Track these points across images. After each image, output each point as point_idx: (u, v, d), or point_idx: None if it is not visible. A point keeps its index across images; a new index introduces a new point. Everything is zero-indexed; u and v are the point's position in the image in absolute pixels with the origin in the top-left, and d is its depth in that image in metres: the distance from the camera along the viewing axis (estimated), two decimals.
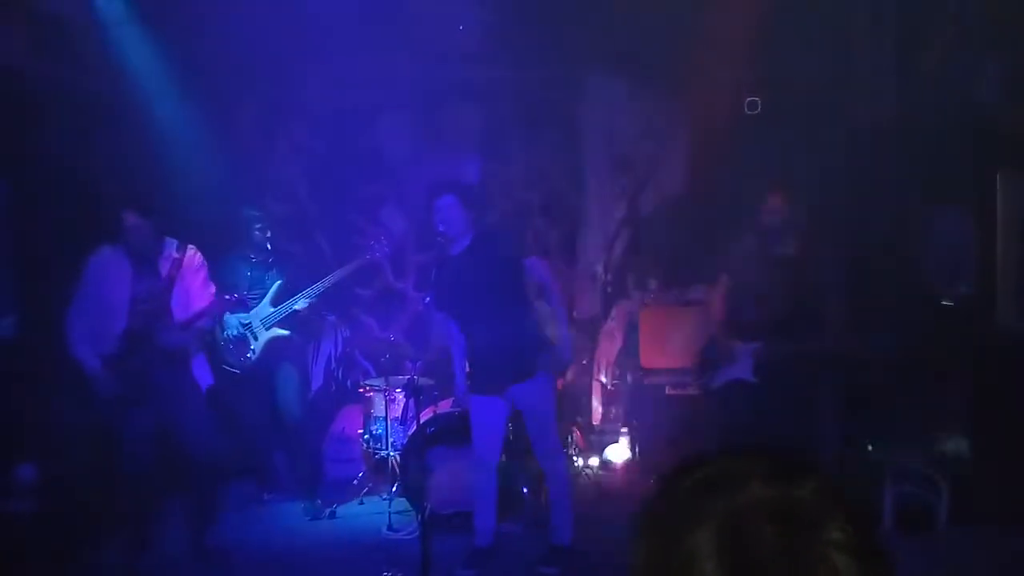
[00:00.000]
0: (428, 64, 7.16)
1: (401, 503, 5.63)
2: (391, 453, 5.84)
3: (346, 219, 7.39)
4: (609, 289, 7.61)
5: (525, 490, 5.52)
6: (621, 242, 7.64)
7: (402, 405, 5.91)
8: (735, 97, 6.62)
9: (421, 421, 5.32)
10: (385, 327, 6.81)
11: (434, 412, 5.55)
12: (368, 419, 6.08)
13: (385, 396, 5.93)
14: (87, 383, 4.88)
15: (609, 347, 7.35)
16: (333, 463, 6.42)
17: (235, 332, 5.86)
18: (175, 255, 4.99)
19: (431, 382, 5.88)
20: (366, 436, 6.04)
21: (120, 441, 4.92)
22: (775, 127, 6.33)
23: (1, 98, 5.44)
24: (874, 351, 5.33)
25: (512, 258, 4.85)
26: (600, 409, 7.28)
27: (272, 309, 5.86)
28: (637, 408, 6.90)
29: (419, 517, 4.74)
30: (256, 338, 5.86)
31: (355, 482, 6.17)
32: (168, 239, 5.01)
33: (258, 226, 5.98)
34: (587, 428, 7.00)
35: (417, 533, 4.98)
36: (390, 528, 5.53)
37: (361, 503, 6.05)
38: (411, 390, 5.41)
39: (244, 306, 5.67)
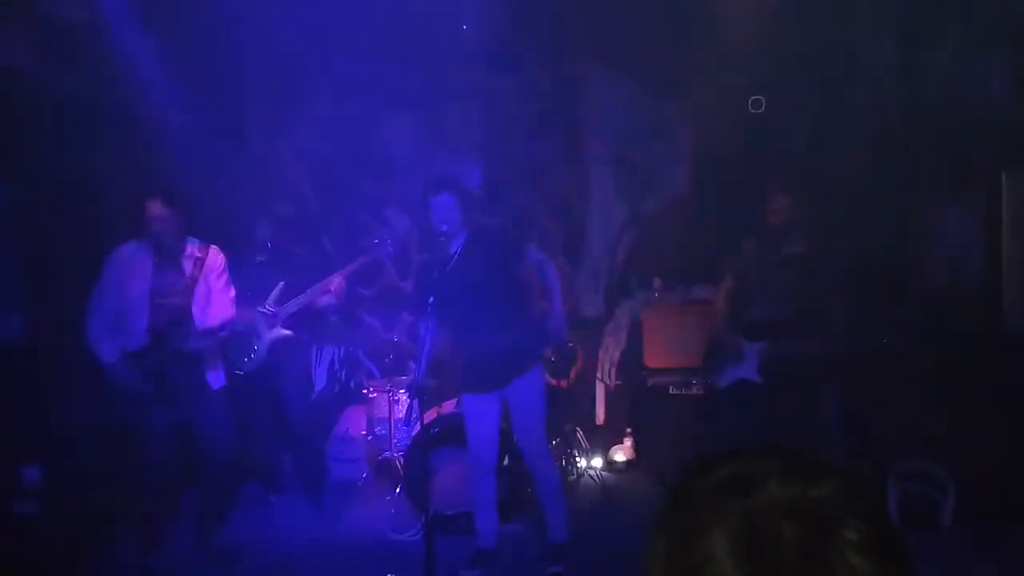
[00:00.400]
0: (431, 66, 7.16)
1: (405, 504, 5.63)
2: (395, 454, 5.84)
3: (351, 219, 7.39)
4: (613, 289, 7.61)
5: (528, 489, 5.51)
6: (625, 242, 7.64)
7: (406, 406, 5.90)
8: (739, 96, 6.62)
9: (425, 422, 5.31)
10: (389, 328, 6.80)
11: (438, 413, 5.54)
12: (372, 420, 6.07)
13: (389, 397, 5.92)
14: (93, 383, 4.88)
15: (613, 347, 7.34)
16: (337, 464, 6.41)
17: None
18: (197, 254, 5.00)
19: (435, 383, 5.87)
20: (369, 437, 6.03)
21: (135, 438, 4.91)
22: (780, 126, 6.33)
23: (3, 100, 5.45)
24: (879, 350, 5.32)
25: (507, 254, 4.81)
26: (604, 409, 7.28)
27: (275, 309, 5.85)
28: (641, 408, 6.89)
29: (423, 518, 4.73)
30: (259, 338, 5.85)
31: (359, 483, 6.17)
32: (190, 238, 5.01)
33: (261, 227, 5.98)
34: (591, 428, 6.99)
35: (421, 534, 4.97)
36: (394, 529, 5.53)
37: (365, 504, 6.04)
38: (415, 391, 5.40)
39: (276, 319, 5.69)
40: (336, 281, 5.89)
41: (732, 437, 5.07)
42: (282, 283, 5.89)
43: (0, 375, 5.37)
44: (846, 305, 5.24)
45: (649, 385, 6.71)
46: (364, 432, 6.17)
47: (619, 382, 7.23)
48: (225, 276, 5.11)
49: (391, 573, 4.66)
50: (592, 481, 6.43)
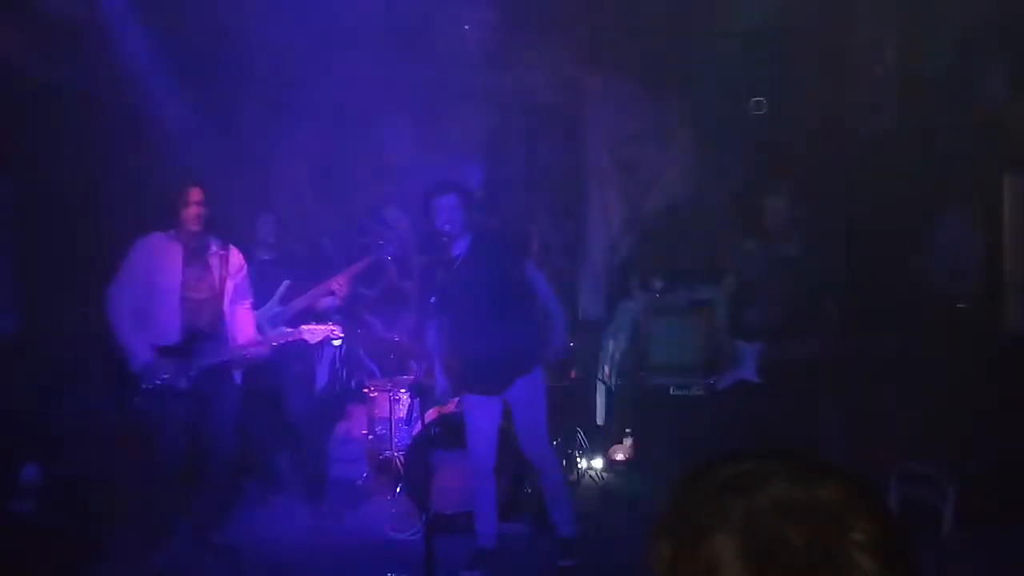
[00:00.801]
0: (432, 66, 7.16)
1: (405, 503, 5.63)
2: (395, 453, 5.84)
3: (350, 220, 7.39)
4: (613, 289, 7.61)
5: (528, 490, 5.51)
6: (625, 243, 7.63)
7: (406, 405, 5.91)
8: (739, 97, 6.62)
9: (425, 421, 5.31)
10: (390, 327, 6.80)
11: (438, 413, 5.54)
12: (372, 419, 6.07)
13: (389, 396, 5.92)
14: (92, 380, 4.88)
15: (613, 348, 7.34)
16: (337, 463, 6.41)
17: None
18: (220, 251, 5.02)
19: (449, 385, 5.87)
20: (370, 436, 6.03)
21: (145, 433, 4.90)
22: (780, 127, 6.33)
23: (3, 98, 5.45)
24: (879, 352, 5.32)
25: (510, 257, 4.83)
26: (604, 409, 7.28)
27: (279, 308, 5.86)
28: (641, 409, 6.89)
29: (423, 517, 4.73)
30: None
31: (359, 482, 6.16)
32: (211, 237, 5.03)
33: (263, 225, 5.99)
34: (591, 429, 6.99)
35: (421, 533, 4.97)
36: (394, 528, 5.53)
37: (365, 504, 6.04)
38: (415, 390, 5.40)
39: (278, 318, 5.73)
40: (339, 281, 5.91)
41: (732, 438, 5.08)
42: (287, 282, 5.90)
43: None
44: (845, 306, 5.24)
45: (649, 386, 6.72)
46: (365, 431, 6.17)
47: (619, 382, 7.24)
48: (243, 273, 5.15)
49: (391, 572, 4.66)
50: (592, 481, 6.43)
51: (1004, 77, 5.06)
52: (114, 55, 6.05)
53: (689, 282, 7.03)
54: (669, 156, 7.59)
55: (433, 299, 4.75)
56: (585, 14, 6.69)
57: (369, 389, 6.19)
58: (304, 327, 5.34)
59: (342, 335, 5.47)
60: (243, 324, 5.15)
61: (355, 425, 6.40)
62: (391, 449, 5.90)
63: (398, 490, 5.71)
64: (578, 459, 6.45)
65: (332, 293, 6.00)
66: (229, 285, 5.03)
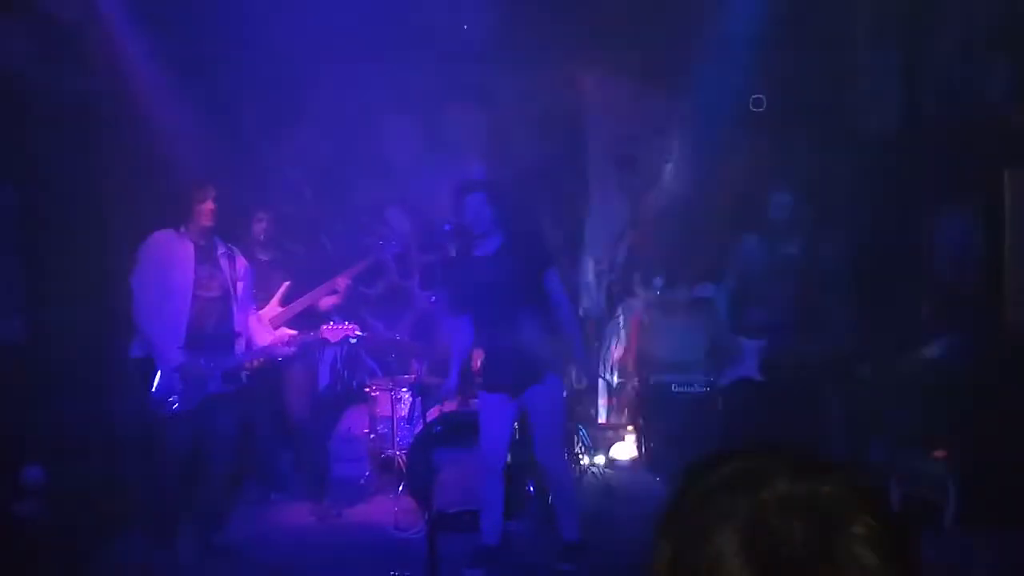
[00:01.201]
0: (432, 65, 7.16)
1: (407, 502, 5.63)
2: (397, 452, 5.85)
3: (352, 219, 7.40)
4: (615, 288, 7.61)
5: (531, 489, 5.52)
6: (627, 241, 7.64)
7: (408, 404, 5.91)
8: (740, 95, 6.62)
9: (427, 420, 5.32)
10: (391, 327, 6.81)
11: (440, 411, 5.55)
12: (374, 418, 6.08)
13: (391, 395, 5.93)
14: (94, 382, 4.89)
15: (615, 346, 7.35)
16: (339, 462, 6.42)
17: None
18: (227, 252, 5.05)
19: (437, 381, 5.87)
20: (372, 436, 6.04)
21: (151, 434, 4.93)
22: (781, 125, 6.33)
23: (4, 102, 5.45)
24: (880, 350, 5.33)
25: (539, 262, 4.84)
26: (606, 407, 7.29)
27: (280, 309, 5.87)
28: (643, 406, 6.90)
29: (426, 516, 4.74)
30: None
31: (361, 481, 6.17)
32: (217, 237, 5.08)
33: (260, 224, 6.00)
34: (593, 426, 7.00)
35: (424, 532, 4.98)
36: (396, 527, 5.54)
37: (367, 503, 6.05)
38: (417, 389, 5.42)
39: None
40: (342, 282, 5.92)
41: (733, 435, 5.09)
42: (287, 283, 5.91)
43: (2, 375, 5.38)
44: (847, 305, 5.25)
45: (651, 383, 6.72)
46: (367, 430, 6.18)
47: (621, 380, 7.24)
48: (249, 276, 5.20)
49: (394, 571, 4.66)
50: (594, 479, 6.43)
51: (1004, 77, 5.06)
52: (115, 57, 6.05)
53: (690, 280, 7.04)
54: (670, 154, 7.60)
55: (449, 295, 4.78)
56: (586, 13, 6.68)
57: (371, 388, 6.20)
58: (324, 327, 5.40)
59: (361, 333, 5.52)
60: (261, 324, 5.23)
61: (357, 424, 6.41)
62: (393, 448, 5.90)
63: (400, 489, 5.71)
64: (580, 456, 6.46)
65: (335, 292, 6.02)
66: (240, 285, 5.07)
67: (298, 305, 5.88)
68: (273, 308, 5.87)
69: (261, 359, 5.25)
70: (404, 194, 7.59)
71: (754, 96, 6.56)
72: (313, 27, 6.36)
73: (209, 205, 4.92)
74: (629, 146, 7.67)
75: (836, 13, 6.08)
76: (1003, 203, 4.95)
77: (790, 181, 5.37)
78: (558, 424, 4.92)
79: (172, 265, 4.88)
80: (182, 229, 4.95)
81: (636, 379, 7.03)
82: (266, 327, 5.41)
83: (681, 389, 6.49)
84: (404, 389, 5.93)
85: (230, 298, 5.03)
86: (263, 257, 5.99)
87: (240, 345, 5.06)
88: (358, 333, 5.52)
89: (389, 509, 5.70)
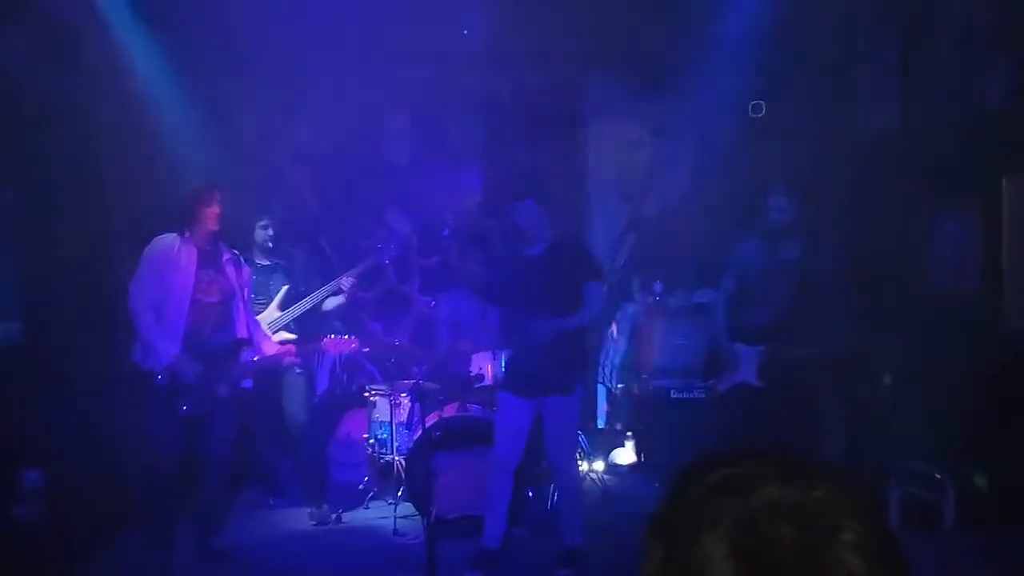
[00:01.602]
0: (432, 68, 7.18)
1: (407, 507, 5.63)
2: (396, 457, 5.84)
3: (351, 222, 7.40)
4: (614, 292, 7.61)
5: (530, 494, 5.52)
6: (626, 245, 7.64)
7: (408, 410, 5.91)
8: (739, 100, 6.63)
9: (427, 425, 5.32)
10: (389, 330, 6.80)
11: (439, 416, 5.55)
12: (373, 423, 6.08)
13: (390, 400, 5.93)
14: (93, 384, 4.89)
15: (614, 350, 7.35)
16: (339, 467, 6.41)
17: None
18: (231, 257, 5.07)
19: (436, 386, 5.88)
20: (371, 440, 6.04)
21: (147, 434, 4.93)
22: (780, 129, 6.33)
23: (4, 103, 5.46)
24: (878, 353, 5.32)
25: (583, 272, 4.88)
26: (605, 413, 7.28)
27: (279, 313, 5.87)
28: (642, 412, 6.89)
29: (425, 521, 4.74)
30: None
31: (361, 487, 6.17)
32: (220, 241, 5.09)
33: (262, 229, 6.00)
34: (592, 432, 7.00)
35: (423, 537, 4.97)
36: (396, 533, 5.53)
37: (367, 508, 6.05)
38: (416, 394, 5.42)
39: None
40: (346, 283, 5.93)
41: (733, 440, 5.08)
42: (286, 287, 5.92)
43: (0, 376, 5.38)
44: (846, 309, 5.25)
45: (650, 388, 6.72)
46: (366, 435, 6.17)
47: (620, 385, 7.24)
48: (251, 282, 5.23)
49: None
50: (593, 484, 6.43)
51: (1004, 76, 5.06)
52: (116, 61, 6.06)
53: (689, 285, 7.05)
54: (669, 157, 7.60)
55: (488, 291, 4.90)
56: (585, 15, 6.69)
57: (370, 393, 6.20)
58: (326, 339, 5.44)
59: (365, 349, 5.56)
60: (263, 334, 5.29)
61: (356, 429, 6.40)
62: (392, 453, 5.90)
63: (399, 494, 5.71)
64: (579, 462, 6.45)
65: (339, 292, 6.02)
66: (246, 291, 5.10)
67: (301, 307, 5.88)
68: (273, 312, 5.87)
69: (261, 364, 5.27)
70: (404, 197, 7.59)
71: (753, 102, 6.57)
72: (314, 28, 6.37)
73: (215, 210, 4.94)
74: (629, 150, 7.68)
75: (835, 14, 6.09)
76: (1001, 206, 4.95)
77: (788, 184, 5.37)
78: (573, 430, 5.00)
79: (173, 269, 4.89)
80: (187, 234, 4.96)
81: (635, 384, 7.03)
82: (265, 334, 5.43)
83: (680, 395, 6.49)
84: (404, 394, 5.93)
85: (232, 304, 5.04)
86: (263, 262, 6.00)
87: (242, 350, 5.08)
88: (364, 350, 5.57)
89: (388, 514, 5.70)
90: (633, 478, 6.67)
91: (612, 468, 6.77)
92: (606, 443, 6.96)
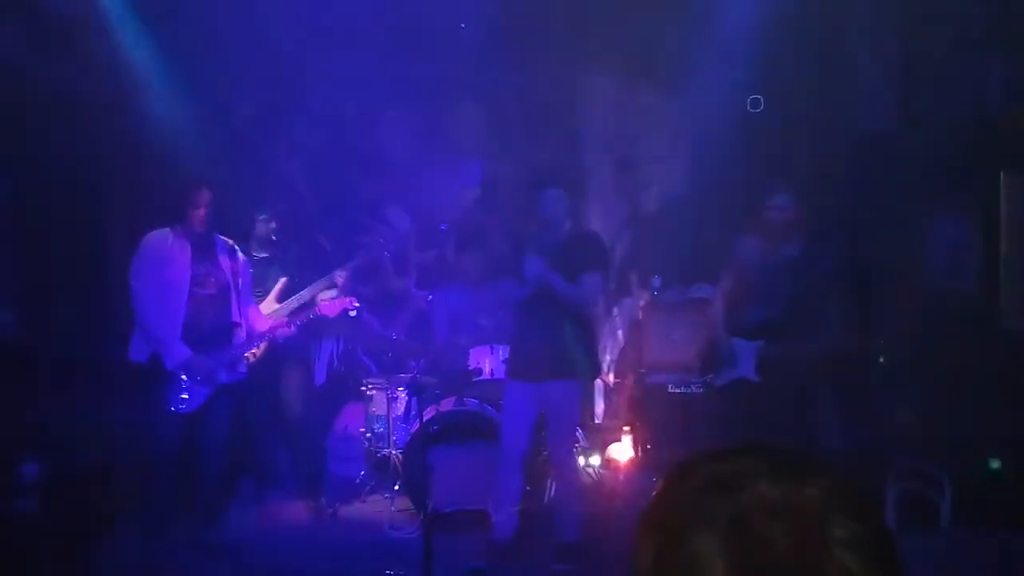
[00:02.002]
0: (430, 64, 7.15)
1: (403, 501, 5.63)
2: (393, 451, 5.84)
3: (349, 217, 7.38)
4: (612, 287, 7.60)
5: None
6: (624, 241, 7.63)
7: (404, 403, 5.91)
8: (738, 95, 6.61)
9: (424, 419, 5.32)
10: (386, 324, 6.80)
11: (436, 410, 5.55)
12: (370, 417, 6.08)
13: (387, 394, 5.93)
14: (90, 377, 4.89)
15: (612, 345, 7.34)
16: (335, 461, 6.41)
17: None
18: (227, 249, 5.09)
19: (433, 380, 5.88)
20: (368, 434, 6.04)
21: (147, 427, 4.94)
22: (779, 126, 6.32)
23: (2, 97, 5.45)
24: (877, 350, 5.32)
25: (585, 263, 4.90)
26: (603, 407, 7.27)
27: (277, 306, 5.86)
28: (640, 406, 6.88)
29: (421, 515, 4.74)
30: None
31: (357, 480, 6.17)
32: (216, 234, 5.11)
33: (262, 222, 6.00)
34: (589, 426, 6.99)
35: (419, 531, 4.98)
36: (392, 526, 5.53)
37: (363, 501, 6.05)
38: (413, 388, 5.42)
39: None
40: (340, 276, 5.92)
41: (730, 436, 5.07)
42: (283, 279, 5.91)
43: None
44: (844, 305, 5.24)
45: (647, 384, 6.71)
46: (363, 429, 6.17)
47: (618, 380, 7.23)
48: (249, 272, 5.22)
49: (389, 571, 4.66)
50: (590, 479, 6.43)
51: (1001, 79, 5.05)
52: (112, 53, 6.05)
53: (687, 280, 7.03)
54: (668, 154, 7.59)
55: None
56: (585, 12, 6.68)
57: (367, 387, 6.19)
58: (321, 299, 5.45)
59: (358, 304, 5.57)
60: (259, 315, 5.35)
61: (353, 422, 6.40)
62: (389, 447, 5.90)
63: (396, 488, 5.71)
64: (577, 457, 6.45)
65: (335, 286, 6.01)
66: (239, 282, 5.10)
67: (297, 299, 5.88)
68: (270, 304, 5.87)
69: (262, 344, 5.36)
70: (403, 192, 7.57)
71: (752, 97, 6.56)
72: (311, 24, 6.36)
73: (202, 211, 4.99)
74: (626, 146, 7.66)
75: (833, 14, 6.07)
76: (999, 204, 4.95)
77: (788, 181, 5.37)
78: (574, 424, 5.05)
79: (169, 263, 4.92)
80: (179, 228, 4.98)
81: (633, 379, 7.02)
82: (262, 316, 5.49)
83: (677, 389, 6.49)
84: (400, 388, 5.93)
85: (228, 294, 5.08)
86: (261, 255, 5.99)
87: (240, 336, 5.10)
88: (356, 305, 5.56)
89: (385, 508, 5.69)
90: (629, 473, 6.66)
91: (609, 463, 6.76)
92: (603, 438, 6.94)
